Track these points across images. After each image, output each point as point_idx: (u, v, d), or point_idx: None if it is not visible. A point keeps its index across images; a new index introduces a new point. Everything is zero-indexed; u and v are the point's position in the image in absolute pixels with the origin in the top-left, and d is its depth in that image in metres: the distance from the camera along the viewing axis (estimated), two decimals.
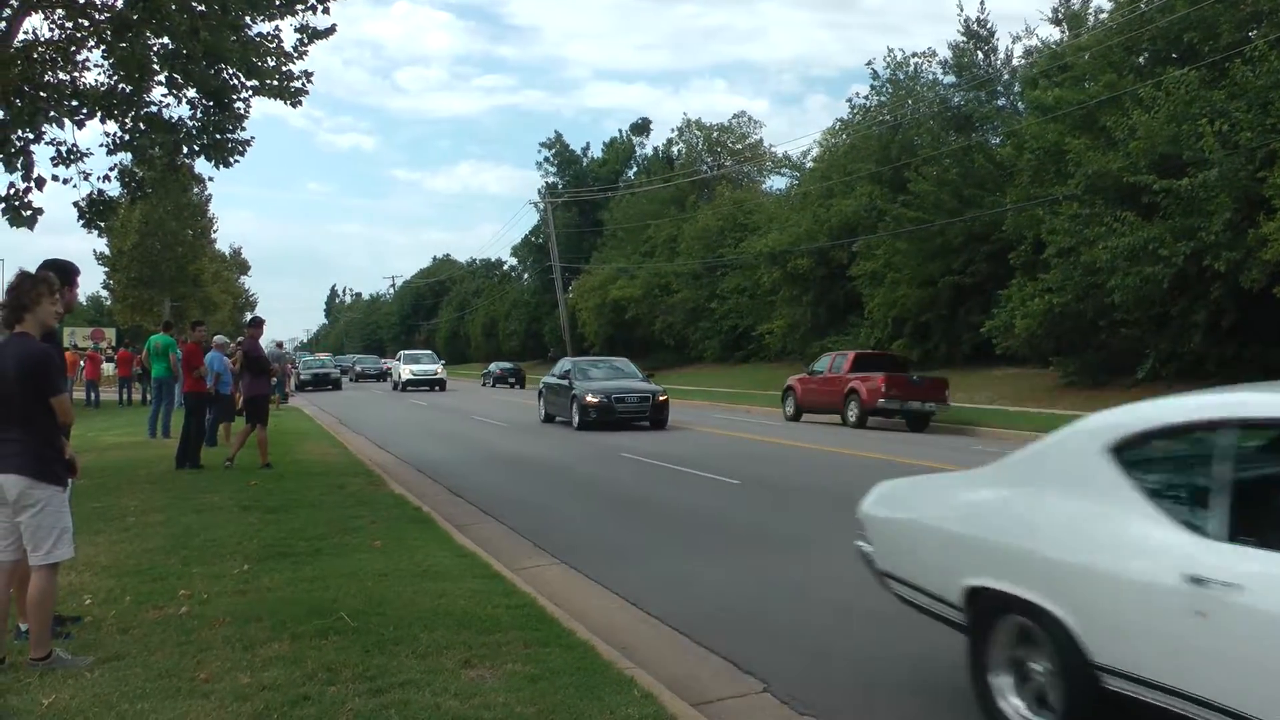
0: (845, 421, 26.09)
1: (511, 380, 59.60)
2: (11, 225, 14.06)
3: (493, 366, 64.29)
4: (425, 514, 11.08)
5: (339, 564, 8.23)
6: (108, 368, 37.90)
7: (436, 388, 50.69)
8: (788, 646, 6.69)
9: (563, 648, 6.02)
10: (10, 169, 13.38)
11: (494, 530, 11.05)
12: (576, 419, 24.73)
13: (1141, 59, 29.23)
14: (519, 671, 5.54)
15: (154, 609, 6.79)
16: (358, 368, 72.88)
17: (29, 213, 14.06)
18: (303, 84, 15.47)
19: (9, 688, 5.20)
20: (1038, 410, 27.76)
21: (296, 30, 15.17)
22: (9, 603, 5.68)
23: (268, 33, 15.04)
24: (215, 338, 17.87)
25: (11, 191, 13.85)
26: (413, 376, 50.55)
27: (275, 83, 15.09)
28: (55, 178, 14.61)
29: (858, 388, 25.74)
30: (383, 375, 67.93)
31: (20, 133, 13.49)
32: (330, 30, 15.42)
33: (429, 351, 63.87)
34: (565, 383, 26.09)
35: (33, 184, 13.91)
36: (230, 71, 14.85)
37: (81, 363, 34.93)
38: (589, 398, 24.49)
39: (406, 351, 60.97)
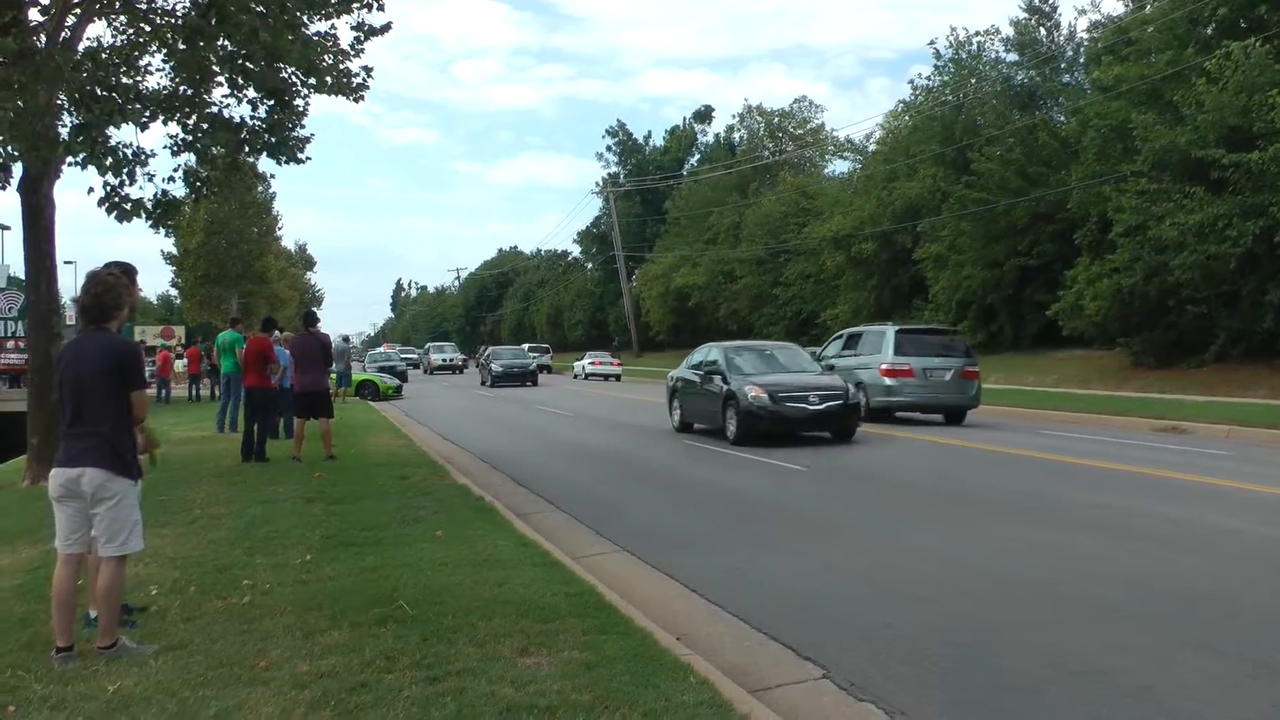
0: None
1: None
2: (119, 221, 14.31)
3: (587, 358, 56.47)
4: (487, 504, 11.10)
5: (400, 554, 8.30)
6: (178, 364, 38.60)
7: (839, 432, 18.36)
8: (849, 633, 6.64)
9: (620, 635, 6.02)
10: (103, 171, 13.57)
11: (556, 519, 11.07)
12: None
13: (1209, 29, 28.55)
14: (575, 659, 5.54)
15: (217, 599, 6.89)
16: (494, 366, 45.70)
17: (129, 205, 14.32)
18: (363, 79, 15.59)
19: (76, 674, 5.32)
20: (1105, 393, 27.29)
21: (353, 29, 15.26)
22: (76, 593, 5.80)
23: (324, 32, 15.15)
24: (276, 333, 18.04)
25: (108, 190, 14.08)
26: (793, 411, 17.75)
27: (332, 79, 15.20)
28: (123, 179, 14.86)
29: None
30: (529, 375, 45.32)
31: (103, 133, 13.69)
32: (386, 28, 15.47)
33: (789, 344, 24.63)
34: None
35: (125, 177, 14.14)
36: (289, 71, 14.97)
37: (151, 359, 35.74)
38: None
39: (735, 346, 21.41)
